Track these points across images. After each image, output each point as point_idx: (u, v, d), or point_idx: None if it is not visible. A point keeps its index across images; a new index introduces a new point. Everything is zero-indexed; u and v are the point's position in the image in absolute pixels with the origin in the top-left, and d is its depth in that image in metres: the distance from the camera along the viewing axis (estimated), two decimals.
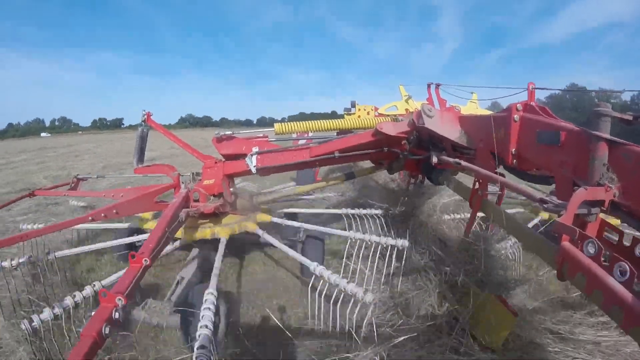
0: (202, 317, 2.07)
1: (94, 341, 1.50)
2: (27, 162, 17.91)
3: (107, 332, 1.57)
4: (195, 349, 1.84)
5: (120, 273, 2.78)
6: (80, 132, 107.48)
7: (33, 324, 2.17)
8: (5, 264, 2.96)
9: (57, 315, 2.29)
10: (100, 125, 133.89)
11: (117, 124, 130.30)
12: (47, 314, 2.24)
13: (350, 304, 2.33)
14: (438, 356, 2.26)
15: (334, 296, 2.43)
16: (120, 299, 1.69)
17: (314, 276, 2.66)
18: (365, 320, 2.25)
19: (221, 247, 3.12)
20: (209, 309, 2.14)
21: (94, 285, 2.56)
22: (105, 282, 2.66)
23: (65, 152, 23.31)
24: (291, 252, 3.07)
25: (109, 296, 1.69)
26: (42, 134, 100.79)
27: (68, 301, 2.38)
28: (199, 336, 1.91)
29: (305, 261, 2.83)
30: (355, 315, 2.28)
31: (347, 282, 2.40)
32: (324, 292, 2.50)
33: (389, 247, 2.99)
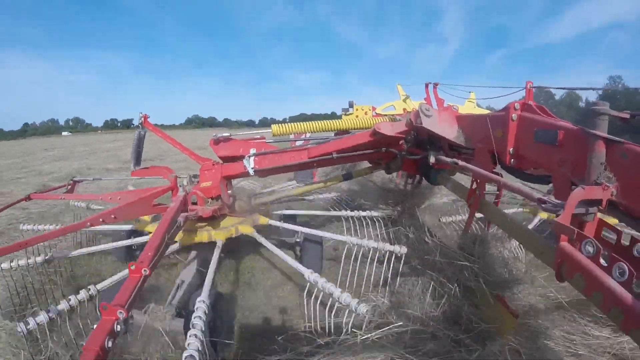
0: (193, 325, 2.02)
1: (97, 354, 1.50)
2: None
3: (109, 345, 1.57)
4: (183, 358, 1.79)
5: (117, 276, 2.76)
6: (99, 131, 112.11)
7: (29, 326, 2.17)
8: (5, 265, 2.99)
9: (53, 319, 2.27)
10: (112, 125, 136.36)
11: (127, 124, 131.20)
12: (42, 317, 2.23)
13: (346, 313, 2.28)
14: (438, 357, 2.23)
15: (328, 304, 2.38)
16: (121, 312, 1.68)
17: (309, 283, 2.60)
18: (363, 327, 2.21)
19: (216, 252, 3.06)
20: (200, 317, 2.08)
21: (89, 289, 2.54)
22: (100, 285, 2.62)
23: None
24: (286, 258, 2.99)
25: (110, 309, 1.67)
26: (64, 133, 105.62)
27: (63, 305, 2.37)
28: (188, 345, 1.85)
29: (300, 268, 2.76)
30: (350, 323, 2.23)
31: (341, 292, 2.32)
32: (319, 299, 2.45)
33: (387, 253, 2.96)
